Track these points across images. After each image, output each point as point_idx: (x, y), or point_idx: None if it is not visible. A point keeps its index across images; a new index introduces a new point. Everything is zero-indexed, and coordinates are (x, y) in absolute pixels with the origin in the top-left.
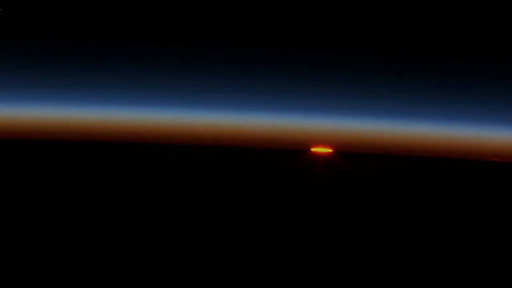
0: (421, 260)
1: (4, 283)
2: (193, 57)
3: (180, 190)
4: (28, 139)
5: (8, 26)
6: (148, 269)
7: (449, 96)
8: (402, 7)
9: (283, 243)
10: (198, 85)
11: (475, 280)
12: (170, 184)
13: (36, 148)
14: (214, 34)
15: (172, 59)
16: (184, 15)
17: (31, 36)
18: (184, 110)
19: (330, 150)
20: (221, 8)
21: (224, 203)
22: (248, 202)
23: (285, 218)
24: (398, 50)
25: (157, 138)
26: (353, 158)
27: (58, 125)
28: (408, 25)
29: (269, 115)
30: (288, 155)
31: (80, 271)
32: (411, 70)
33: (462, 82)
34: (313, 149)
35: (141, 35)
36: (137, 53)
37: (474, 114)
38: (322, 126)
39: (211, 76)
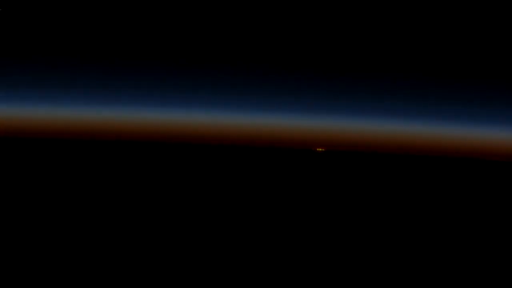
0: (421, 260)
1: (4, 283)
2: (199, 59)
3: (182, 190)
4: (29, 138)
5: (8, 26)
6: (149, 269)
7: (449, 95)
8: (400, 8)
9: (283, 242)
10: (201, 86)
11: (475, 280)
12: (172, 183)
13: (36, 147)
14: (220, 38)
15: (178, 60)
16: (189, 18)
17: (31, 36)
18: (187, 111)
19: (330, 150)
20: (223, 10)
21: (224, 202)
22: (249, 201)
23: (286, 218)
24: (397, 50)
25: (161, 138)
26: (353, 157)
27: (57, 125)
28: (404, 26)
29: (270, 115)
30: (289, 154)
31: (80, 271)
32: (411, 71)
33: (462, 82)
34: (313, 149)
35: (143, 34)
36: (139, 53)
37: (473, 114)
38: (322, 126)
39: (213, 77)
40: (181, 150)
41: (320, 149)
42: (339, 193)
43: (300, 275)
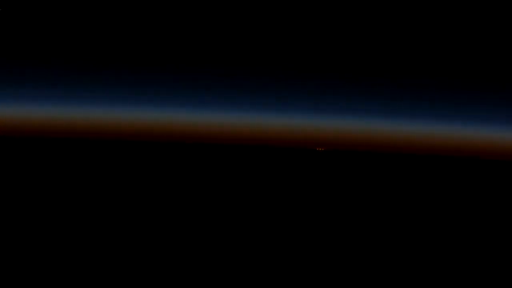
0: (422, 260)
1: (4, 283)
2: (199, 59)
3: (182, 189)
4: (28, 138)
5: (8, 26)
6: (149, 270)
7: (450, 94)
8: (399, 9)
9: (283, 242)
10: (200, 86)
11: (476, 280)
12: (172, 183)
13: (36, 147)
14: (219, 38)
15: (178, 61)
16: (191, 18)
17: (31, 36)
18: (187, 110)
19: (330, 149)
20: (224, 11)
21: (222, 201)
22: (248, 200)
23: (286, 217)
24: (397, 50)
25: (161, 137)
26: (353, 156)
27: (57, 124)
28: (404, 26)
29: (270, 114)
30: (288, 153)
31: (80, 271)
32: (410, 70)
33: (462, 81)
34: (313, 148)
35: (145, 34)
36: (141, 52)
37: (473, 112)
38: (322, 125)
39: (211, 77)
40: (180, 149)
41: (321, 149)
42: (340, 192)
43: (301, 275)
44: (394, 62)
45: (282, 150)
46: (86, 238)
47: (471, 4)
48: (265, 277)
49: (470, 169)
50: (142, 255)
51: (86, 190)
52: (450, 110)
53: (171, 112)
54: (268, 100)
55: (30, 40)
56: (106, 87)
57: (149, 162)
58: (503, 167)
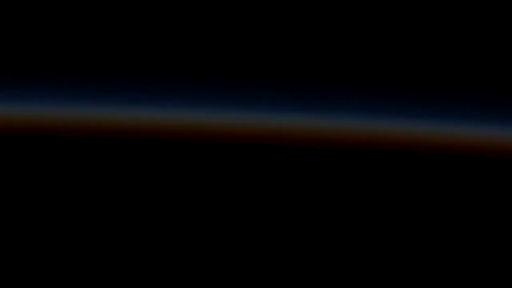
0: (421, 261)
1: (4, 283)
2: (197, 58)
3: (181, 189)
4: (28, 137)
5: (8, 26)
6: (148, 270)
7: (449, 93)
8: (399, 8)
9: (284, 243)
10: (198, 84)
11: (476, 281)
12: (171, 182)
13: (36, 146)
14: (217, 38)
15: (176, 58)
16: (189, 18)
17: (31, 36)
18: (184, 108)
19: (329, 148)
20: (221, 12)
21: (222, 201)
22: (246, 200)
23: (285, 218)
24: (397, 49)
25: (157, 135)
26: (353, 155)
27: (56, 124)
28: (404, 25)
29: (268, 113)
30: (286, 152)
31: (80, 271)
32: (410, 68)
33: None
34: (311, 147)
35: (146, 33)
36: (142, 51)
37: (474, 110)
38: (321, 124)
39: (208, 75)
40: (179, 149)
41: (318, 148)
42: (339, 192)
43: (301, 276)
44: (394, 60)
45: (279, 149)
46: (87, 238)
47: (467, 6)
48: (265, 277)
49: (470, 169)
50: (148, 255)
51: (86, 189)
52: (450, 109)
53: (170, 111)
54: (265, 99)
55: (29, 39)
56: (107, 87)
57: (149, 161)
58: (503, 167)
